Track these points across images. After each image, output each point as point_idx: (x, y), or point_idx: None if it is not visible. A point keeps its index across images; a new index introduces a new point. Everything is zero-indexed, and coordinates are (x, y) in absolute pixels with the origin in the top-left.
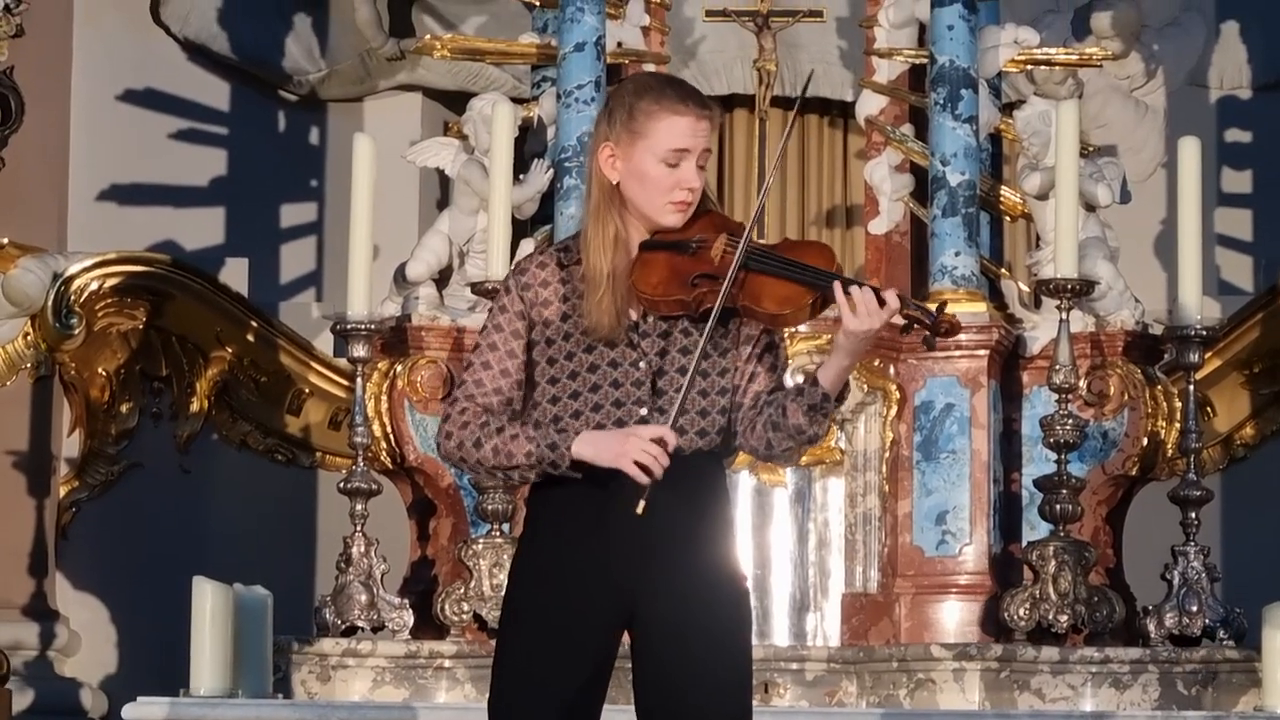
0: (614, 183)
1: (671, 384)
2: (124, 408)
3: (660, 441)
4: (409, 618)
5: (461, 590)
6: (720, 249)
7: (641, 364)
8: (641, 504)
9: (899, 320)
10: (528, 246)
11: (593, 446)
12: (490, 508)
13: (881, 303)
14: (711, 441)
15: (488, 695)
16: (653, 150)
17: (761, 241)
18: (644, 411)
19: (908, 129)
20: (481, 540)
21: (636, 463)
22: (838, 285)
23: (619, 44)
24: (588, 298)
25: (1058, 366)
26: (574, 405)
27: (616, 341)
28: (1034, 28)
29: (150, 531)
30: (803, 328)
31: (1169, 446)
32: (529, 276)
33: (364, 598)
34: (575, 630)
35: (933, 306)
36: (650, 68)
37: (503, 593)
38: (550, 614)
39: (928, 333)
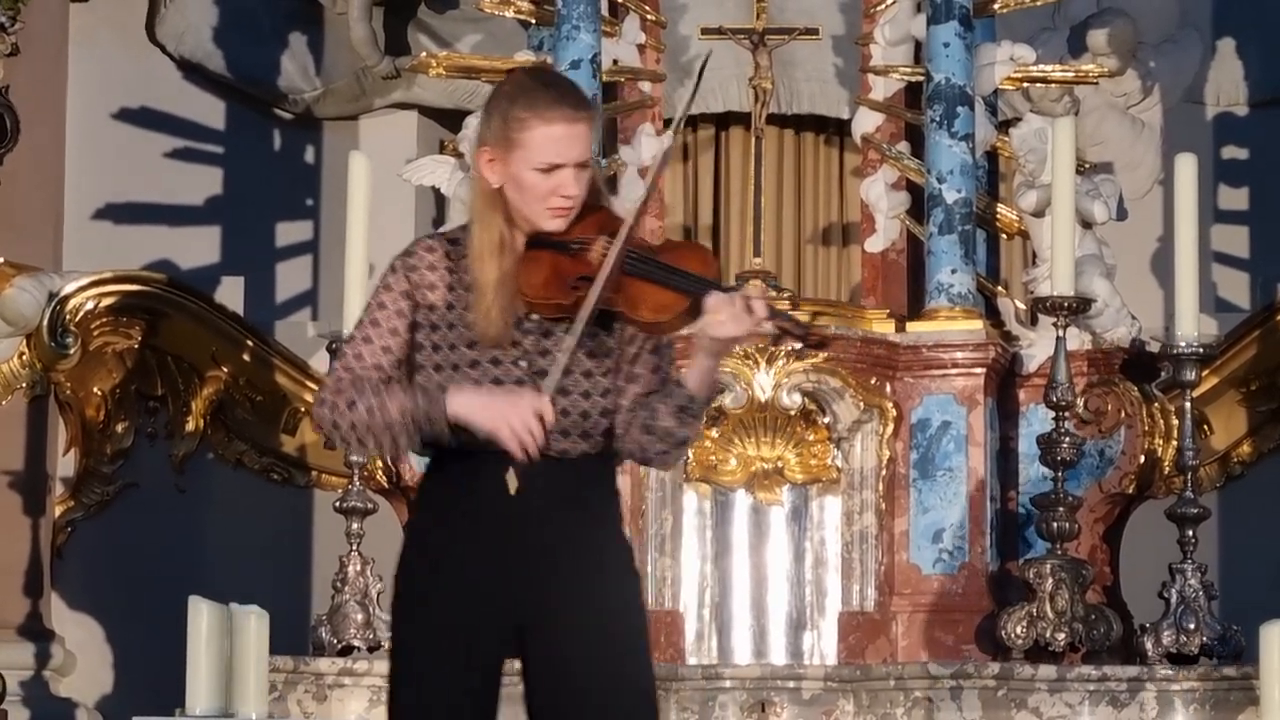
0: (496, 186)
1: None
2: (119, 427)
3: (538, 414)
4: None
5: None
6: (600, 251)
7: (522, 362)
8: (514, 482)
9: (770, 329)
10: None
11: (469, 404)
12: None
13: (750, 310)
14: (596, 444)
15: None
16: (526, 160)
17: (644, 243)
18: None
19: (904, 146)
20: None
21: (515, 437)
22: (711, 293)
23: (615, 61)
24: (476, 305)
25: (1054, 384)
26: (429, 386)
27: (501, 341)
28: (1030, 45)
29: (146, 551)
30: (798, 345)
31: (1166, 464)
32: (416, 259)
33: (360, 617)
34: (463, 642)
35: (805, 318)
36: (646, 86)
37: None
38: (438, 627)
39: (800, 344)
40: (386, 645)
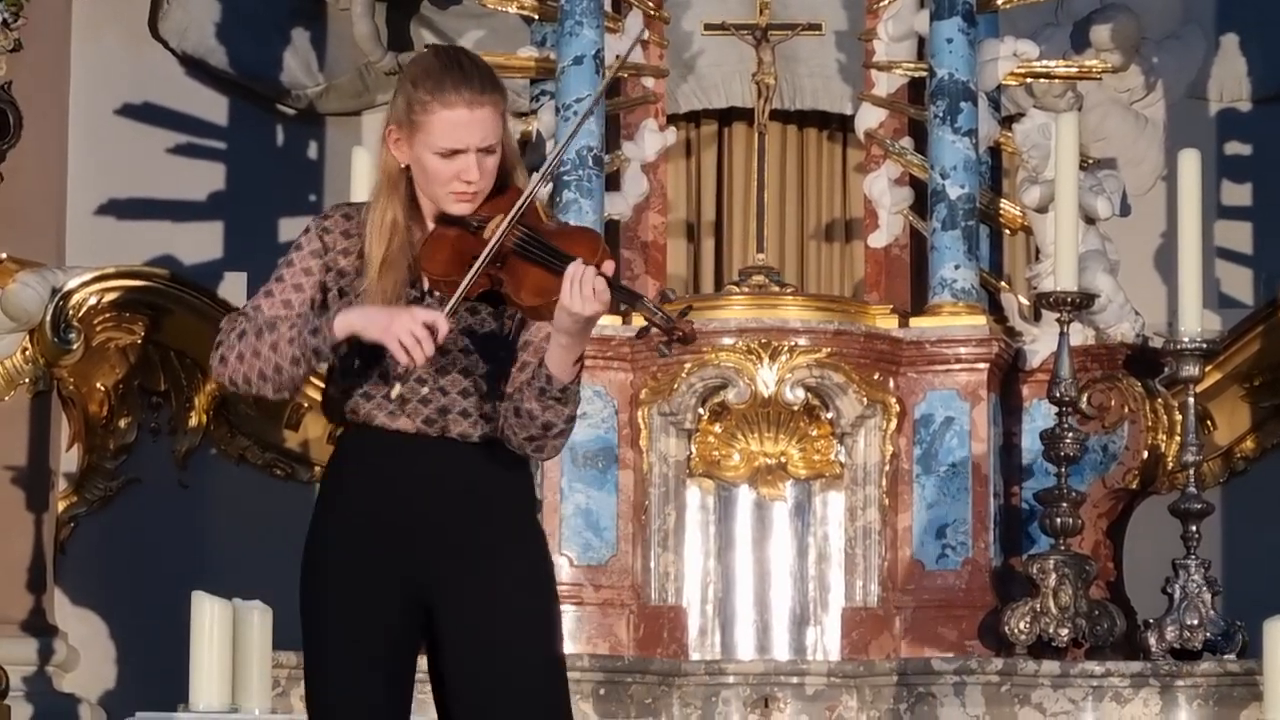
0: (402, 165)
1: (455, 363)
2: (122, 423)
3: (431, 327)
4: None
5: None
6: (493, 229)
7: None
8: (396, 387)
9: (639, 322)
10: None
11: (361, 316)
12: None
13: (594, 290)
14: (498, 427)
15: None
16: (427, 144)
17: (544, 227)
18: (424, 390)
19: (907, 142)
20: None
21: (401, 344)
22: (570, 267)
23: (618, 57)
24: (365, 280)
25: (1058, 380)
26: (358, 365)
27: None
28: (1033, 40)
29: (149, 546)
30: (802, 341)
31: (1169, 460)
32: (331, 223)
33: None
34: (375, 617)
35: (676, 311)
36: (649, 82)
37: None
38: (344, 611)
39: (665, 337)
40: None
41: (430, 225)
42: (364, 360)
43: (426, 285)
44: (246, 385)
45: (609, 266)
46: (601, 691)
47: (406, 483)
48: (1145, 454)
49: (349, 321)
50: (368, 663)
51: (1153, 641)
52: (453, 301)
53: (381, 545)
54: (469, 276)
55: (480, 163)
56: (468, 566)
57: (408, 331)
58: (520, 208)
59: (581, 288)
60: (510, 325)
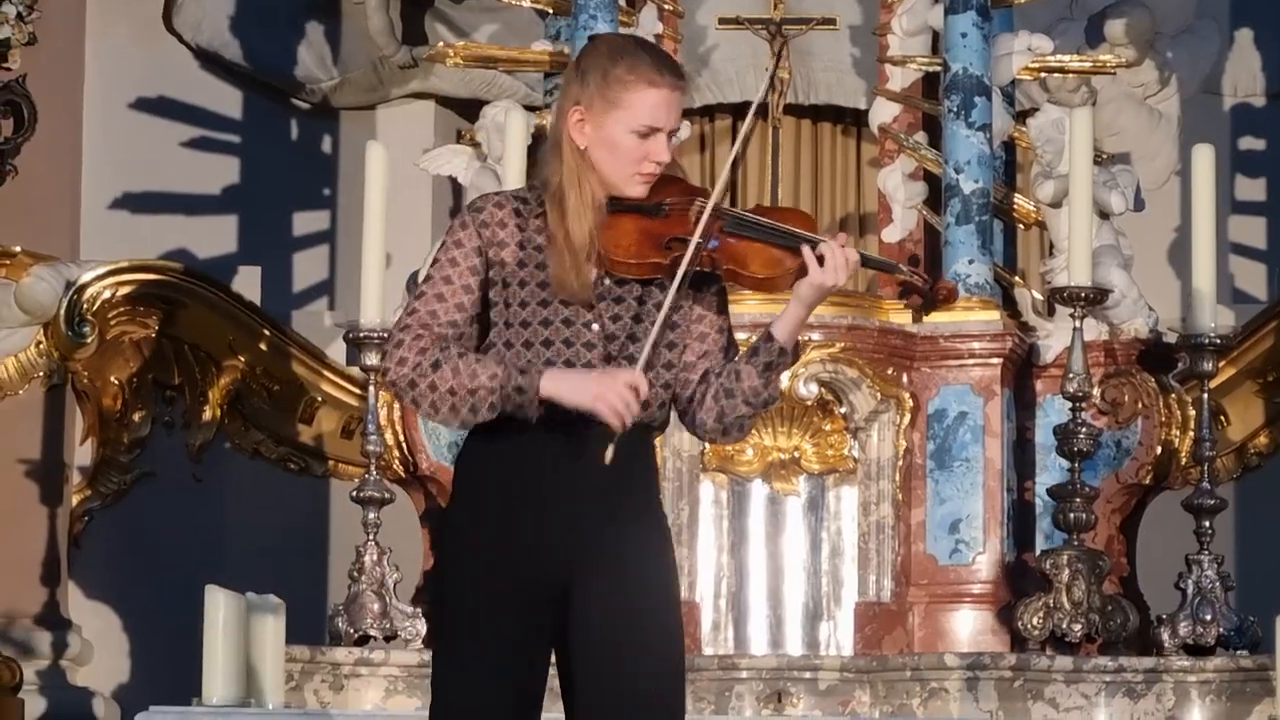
0: (582, 147)
1: (623, 350)
2: (136, 416)
3: (633, 388)
4: (422, 626)
5: None
6: (696, 211)
7: (595, 325)
8: (610, 450)
9: (893, 285)
10: None
11: (566, 383)
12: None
13: (845, 258)
14: (651, 415)
15: (431, 687)
16: (625, 122)
17: (739, 210)
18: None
19: (921, 137)
20: None
21: (614, 410)
22: (805, 246)
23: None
24: (561, 261)
25: (1071, 375)
26: (526, 355)
27: (592, 302)
28: (1048, 35)
29: (163, 540)
30: (816, 336)
31: (1183, 455)
32: (487, 215)
33: (377, 607)
34: (509, 613)
35: (921, 274)
36: None
37: (435, 570)
38: (483, 597)
39: (927, 298)
40: (420, 630)
41: (601, 214)
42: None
43: (602, 269)
44: (432, 412)
45: (844, 238)
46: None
47: (554, 467)
48: (1159, 449)
49: (554, 391)
50: (500, 650)
51: (1166, 637)
52: (676, 284)
53: (522, 529)
54: (688, 258)
55: (668, 144)
56: (604, 553)
57: (618, 396)
58: (725, 184)
59: (835, 260)
60: (672, 314)
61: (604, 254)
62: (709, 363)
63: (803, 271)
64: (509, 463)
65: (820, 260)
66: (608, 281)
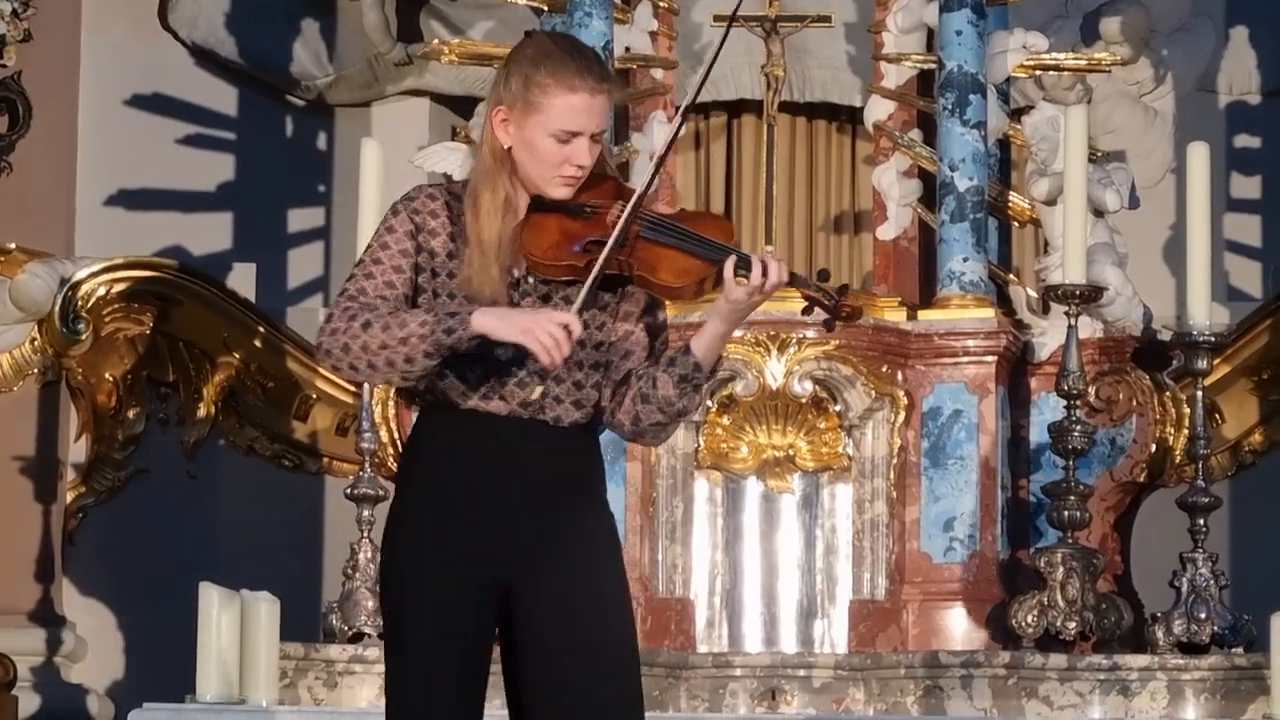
0: (505, 147)
1: None
2: (131, 413)
3: (565, 328)
4: None
5: None
6: (616, 215)
7: None
8: (538, 389)
9: (788, 296)
10: None
11: (495, 317)
12: None
13: (767, 273)
14: (588, 414)
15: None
16: (544, 125)
17: (660, 212)
18: (522, 373)
19: (916, 134)
20: None
21: (541, 344)
22: (729, 260)
23: (627, 49)
24: (471, 260)
25: (1066, 373)
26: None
27: (498, 300)
28: (1043, 33)
29: (157, 537)
30: (810, 334)
31: (1177, 453)
32: (419, 204)
33: (371, 604)
34: (453, 607)
35: (834, 288)
36: (658, 73)
37: (380, 554)
38: (427, 590)
39: (827, 315)
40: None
41: (522, 212)
42: (472, 350)
43: (523, 269)
44: (370, 372)
45: (776, 258)
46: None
47: (498, 463)
48: (1153, 447)
49: (485, 323)
50: (446, 645)
51: (1160, 635)
52: (587, 286)
53: (466, 524)
54: (601, 260)
55: (590, 148)
56: (550, 548)
57: (547, 333)
58: (646, 188)
59: (758, 278)
60: (601, 315)
61: (524, 253)
62: (631, 363)
63: (716, 283)
64: (452, 456)
65: (745, 276)
66: (532, 280)
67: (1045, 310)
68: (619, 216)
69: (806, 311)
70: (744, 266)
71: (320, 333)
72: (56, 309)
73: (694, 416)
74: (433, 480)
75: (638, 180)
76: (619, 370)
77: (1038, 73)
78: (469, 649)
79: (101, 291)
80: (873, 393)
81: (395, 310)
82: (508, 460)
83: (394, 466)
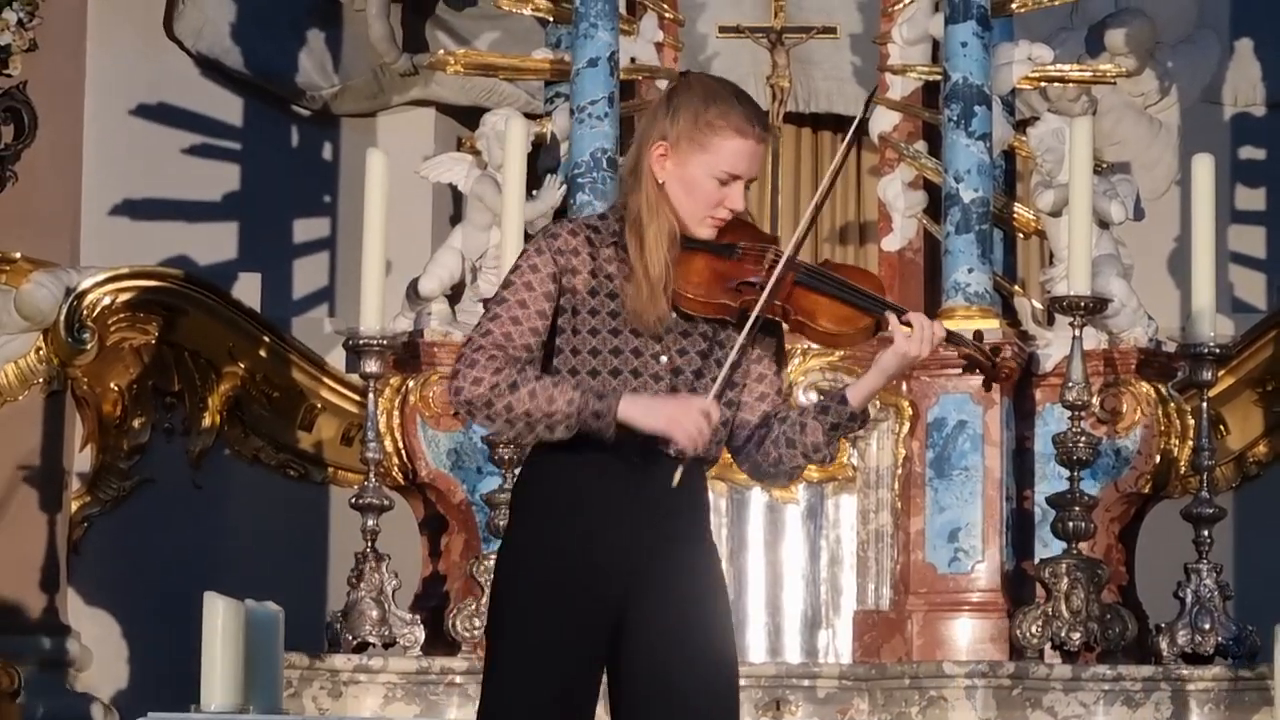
0: (659, 181)
1: (686, 385)
2: (136, 423)
3: (706, 415)
4: (420, 634)
5: (473, 606)
6: (770, 259)
7: (664, 358)
8: (679, 474)
9: (954, 356)
10: None
11: (642, 407)
12: (502, 523)
13: (933, 332)
14: (709, 451)
15: (479, 703)
16: (708, 165)
17: (809, 261)
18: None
19: (921, 145)
20: (493, 556)
21: (688, 435)
22: (896, 315)
23: (632, 60)
24: (639, 292)
25: (1071, 384)
26: (593, 384)
27: (661, 334)
28: (1048, 44)
29: (162, 547)
30: (816, 345)
31: (1182, 464)
32: (561, 241)
33: (375, 613)
34: (566, 635)
35: (990, 348)
36: (663, 84)
37: (490, 587)
38: (541, 617)
39: (988, 376)
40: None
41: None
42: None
43: (671, 304)
44: (506, 429)
45: (939, 324)
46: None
47: (621, 499)
48: (1158, 458)
49: (630, 413)
50: (552, 675)
51: (1164, 646)
52: (748, 328)
53: (589, 559)
54: (761, 304)
55: (744, 195)
56: (669, 576)
57: (694, 425)
58: (802, 235)
59: (924, 333)
60: (728, 352)
61: (675, 290)
62: (767, 405)
63: (875, 336)
64: (571, 486)
65: (907, 329)
66: (674, 316)
67: (1050, 321)
68: (772, 261)
69: (968, 369)
70: (905, 322)
71: (460, 375)
72: (62, 318)
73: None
74: (552, 507)
75: None
76: (754, 411)
77: (1043, 84)
78: (577, 674)
79: (107, 301)
80: (877, 403)
81: (541, 376)
82: (624, 489)
83: (398, 477)
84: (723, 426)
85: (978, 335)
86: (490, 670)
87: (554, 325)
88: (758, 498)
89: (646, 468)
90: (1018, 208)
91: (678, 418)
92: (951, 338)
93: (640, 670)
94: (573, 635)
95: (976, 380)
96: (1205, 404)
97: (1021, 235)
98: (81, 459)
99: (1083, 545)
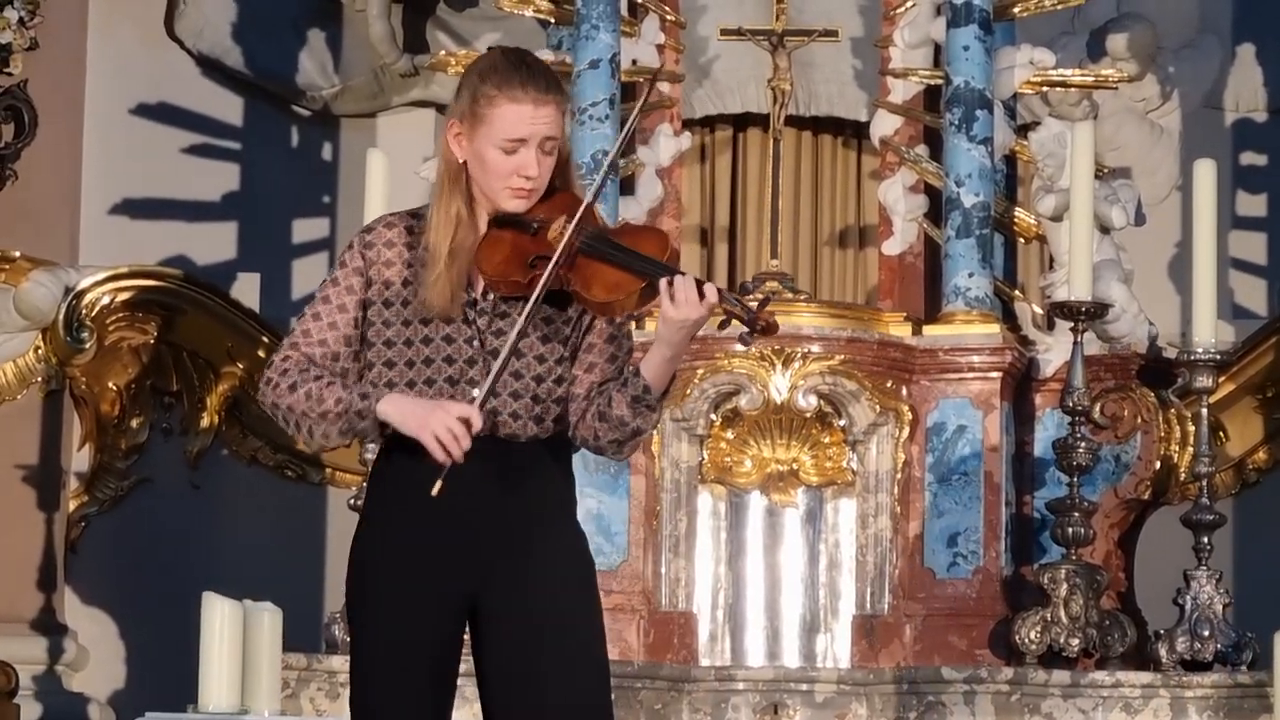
0: (461, 161)
1: (505, 365)
2: (134, 422)
3: (465, 422)
4: None
5: None
6: (557, 230)
7: (475, 342)
8: (438, 485)
9: (718, 314)
10: None
11: (397, 408)
12: None
13: (701, 295)
14: (547, 429)
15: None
16: (489, 137)
17: (603, 226)
18: (476, 392)
19: (922, 150)
20: None
21: (437, 439)
22: (663, 280)
23: (634, 62)
24: (425, 274)
25: (1071, 389)
26: (408, 374)
27: (454, 317)
28: (1050, 49)
29: (160, 547)
30: (815, 348)
31: (1181, 470)
32: (374, 235)
33: None
34: (419, 624)
35: (754, 303)
36: (665, 86)
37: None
38: (392, 608)
39: (745, 329)
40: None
41: (483, 228)
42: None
43: (480, 288)
44: (297, 432)
45: (707, 281)
46: (611, 696)
47: (467, 484)
48: (1157, 464)
49: (387, 412)
50: (413, 667)
51: (1163, 652)
52: (530, 303)
53: (431, 547)
54: (544, 278)
55: (540, 159)
56: (516, 566)
57: (444, 428)
58: (588, 204)
59: (684, 294)
60: (562, 328)
61: (477, 269)
62: (594, 376)
63: (649, 297)
64: (415, 478)
65: (671, 295)
66: (490, 298)
67: (1050, 326)
68: (560, 231)
69: (723, 325)
70: (670, 284)
71: (262, 378)
72: (61, 318)
73: (698, 430)
74: (400, 486)
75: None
76: (581, 384)
77: (1044, 89)
78: (433, 655)
79: (106, 300)
80: (877, 408)
81: (321, 375)
82: (465, 477)
83: None
84: (555, 404)
85: (744, 287)
86: (352, 666)
87: (368, 318)
88: (757, 501)
89: (492, 457)
90: (1018, 212)
91: (429, 423)
92: (722, 296)
93: (496, 669)
94: (422, 624)
95: (977, 385)
96: (1205, 410)
97: (1022, 240)
98: (80, 458)
99: (1082, 551)
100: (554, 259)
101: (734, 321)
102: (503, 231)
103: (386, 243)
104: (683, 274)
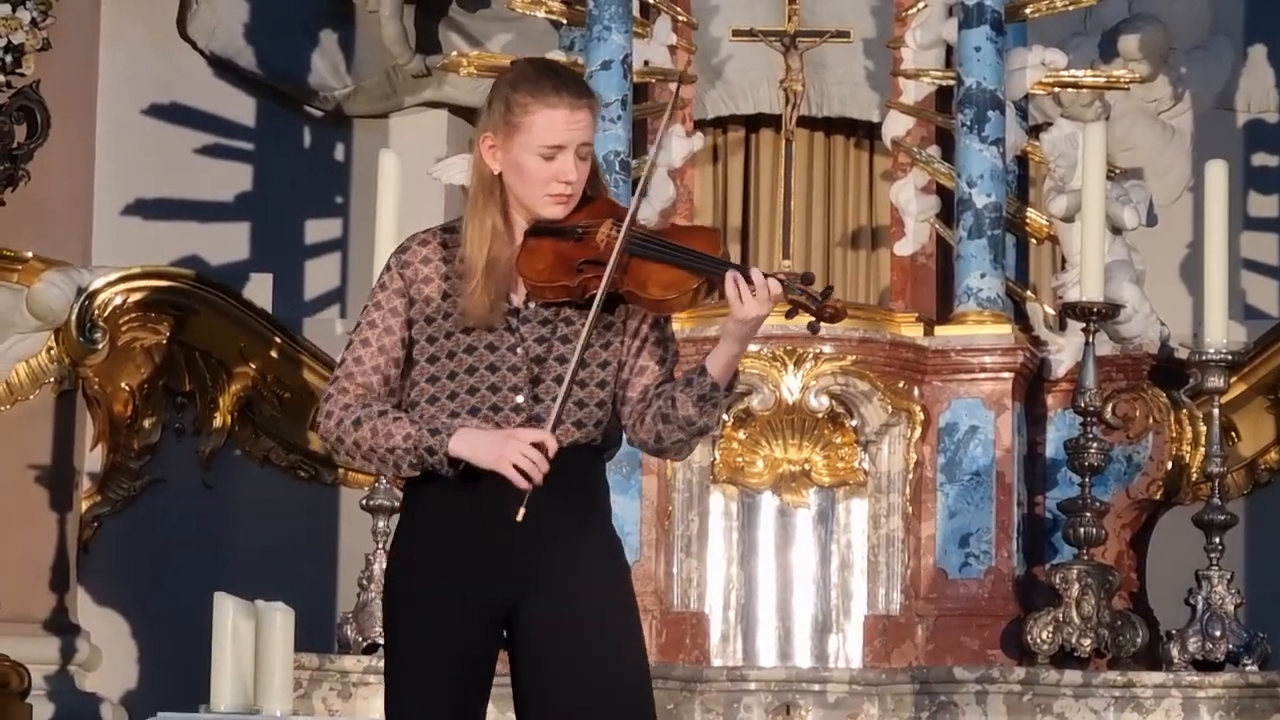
0: (496, 173)
1: (549, 372)
2: (147, 423)
3: (540, 446)
4: None
5: None
6: (605, 234)
7: (519, 349)
8: (521, 510)
9: (784, 305)
10: None
11: (469, 444)
12: None
13: (768, 288)
14: (589, 434)
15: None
16: (526, 144)
17: (647, 227)
18: (520, 399)
19: (934, 150)
20: None
21: (515, 467)
22: (729, 273)
23: (645, 62)
24: (463, 287)
25: (1082, 390)
26: (450, 386)
27: (496, 326)
28: (1061, 50)
29: (172, 547)
30: (827, 349)
31: (1193, 471)
32: (410, 254)
33: None
34: (453, 635)
35: (818, 291)
36: (674, 87)
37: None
38: (427, 619)
39: (812, 318)
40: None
41: (519, 239)
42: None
43: (522, 296)
44: (365, 465)
45: (769, 272)
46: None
47: (496, 492)
48: (1169, 465)
49: (460, 450)
50: (448, 678)
51: (1175, 652)
52: (594, 308)
53: (469, 554)
54: (604, 281)
55: (576, 164)
56: (548, 573)
57: (521, 457)
58: (636, 205)
59: (752, 290)
60: (607, 334)
61: (520, 277)
62: (646, 379)
63: (705, 294)
64: (451, 494)
65: (739, 292)
66: (532, 306)
67: (1062, 327)
68: (610, 235)
69: (790, 314)
70: (746, 277)
71: (320, 410)
72: (73, 318)
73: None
74: (438, 500)
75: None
76: (634, 388)
77: (1056, 90)
78: (469, 668)
79: (118, 301)
80: (889, 408)
81: (386, 410)
82: (506, 484)
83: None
84: (598, 409)
85: (807, 277)
86: (388, 677)
87: (412, 337)
88: (769, 502)
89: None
90: (1030, 213)
91: (506, 454)
92: (787, 288)
93: (533, 678)
94: (459, 635)
95: (989, 386)
96: (1217, 410)
97: (1034, 240)
98: (92, 459)
99: (1094, 551)
100: (611, 261)
101: (800, 312)
102: (541, 240)
103: (423, 259)
104: (744, 268)
